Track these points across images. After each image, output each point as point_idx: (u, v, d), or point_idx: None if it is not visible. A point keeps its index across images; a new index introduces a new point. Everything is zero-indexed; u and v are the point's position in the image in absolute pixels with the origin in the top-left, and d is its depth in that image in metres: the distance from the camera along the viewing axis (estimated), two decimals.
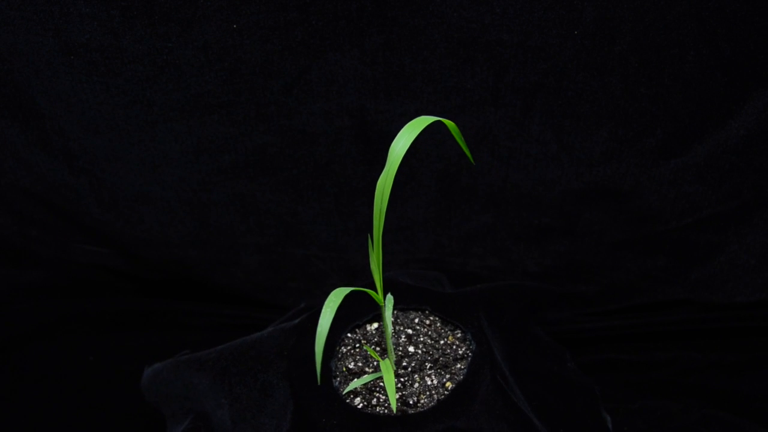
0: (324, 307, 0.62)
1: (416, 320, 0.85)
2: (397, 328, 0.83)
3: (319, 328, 0.62)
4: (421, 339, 0.82)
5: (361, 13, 0.88)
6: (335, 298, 0.63)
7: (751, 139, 0.98)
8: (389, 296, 0.78)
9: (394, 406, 0.69)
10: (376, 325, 0.83)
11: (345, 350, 0.79)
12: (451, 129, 0.63)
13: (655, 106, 0.96)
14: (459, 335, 0.84)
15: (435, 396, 0.76)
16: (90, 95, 0.95)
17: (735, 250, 1.11)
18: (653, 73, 0.93)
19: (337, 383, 0.75)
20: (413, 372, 0.78)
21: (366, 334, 0.82)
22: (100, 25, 0.87)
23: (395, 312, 0.86)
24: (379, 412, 0.74)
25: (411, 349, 0.81)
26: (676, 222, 1.08)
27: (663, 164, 1.02)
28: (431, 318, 0.86)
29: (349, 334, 0.80)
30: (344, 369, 0.76)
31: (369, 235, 0.69)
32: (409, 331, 0.83)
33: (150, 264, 1.19)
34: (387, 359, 0.74)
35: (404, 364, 0.79)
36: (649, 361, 1.08)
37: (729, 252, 1.11)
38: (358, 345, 0.79)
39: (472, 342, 0.82)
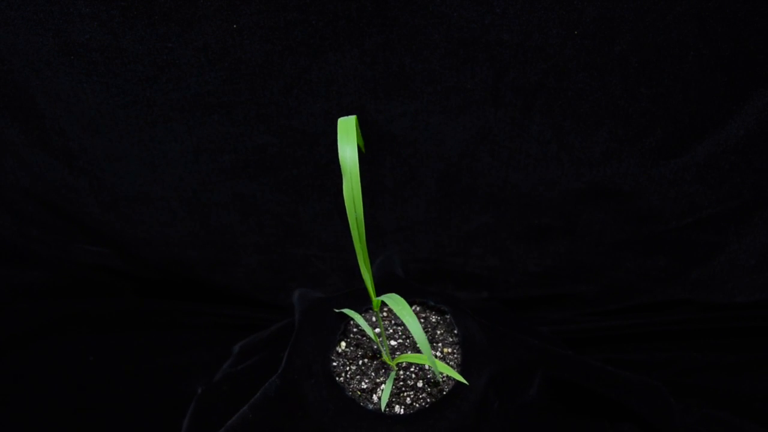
0: (405, 317, 0.64)
1: (374, 318, 0.85)
2: (363, 331, 0.83)
3: (418, 338, 0.63)
4: (391, 330, 0.83)
5: (361, 13, 0.89)
6: (401, 306, 0.64)
7: (751, 139, 0.98)
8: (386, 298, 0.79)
9: (462, 379, 0.71)
10: (344, 344, 0.82)
11: (343, 378, 0.78)
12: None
13: (655, 106, 0.96)
14: (418, 309, 0.87)
15: (451, 364, 0.79)
16: (90, 95, 0.95)
17: (735, 250, 1.11)
18: (653, 73, 0.93)
19: (371, 407, 0.75)
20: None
21: (345, 355, 0.81)
22: (100, 25, 0.87)
23: (353, 322, 0.85)
24: (425, 405, 0.75)
25: (392, 342, 0.81)
26: (676, 222, 1.08)
27: (663, 164, 1.02)
28: (386, 309, 0.87)
29: (334, 363, 0.80)
30: (359, 393, 0.76)
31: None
32: (377, 330, 0.84)
33: (150, 264, 1.19)
34: (420, 350, 0.75)
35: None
36: (649, 361, 1.08)
37: (729, 252, 1.11)
38: (348, 368, 0.79)
39: (437, 306, 0.86)
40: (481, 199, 1.10)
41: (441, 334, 0.83)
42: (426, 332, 0.83)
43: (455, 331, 0.84)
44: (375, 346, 0.81)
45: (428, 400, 0.76)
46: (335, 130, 1.00)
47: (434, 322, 0.85)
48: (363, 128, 1.01)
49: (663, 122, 0.98)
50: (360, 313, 0.86)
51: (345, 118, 0.61)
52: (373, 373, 0.78)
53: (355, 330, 0.82)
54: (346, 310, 0.77)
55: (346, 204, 0.62)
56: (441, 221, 1.13)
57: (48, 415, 0.97)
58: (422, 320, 0.85)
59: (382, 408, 0.73)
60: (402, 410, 0.74)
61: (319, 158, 1.04)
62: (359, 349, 0.80)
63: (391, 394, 0.76)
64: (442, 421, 0.73)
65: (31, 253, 1.19)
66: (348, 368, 0.78)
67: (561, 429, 0.86)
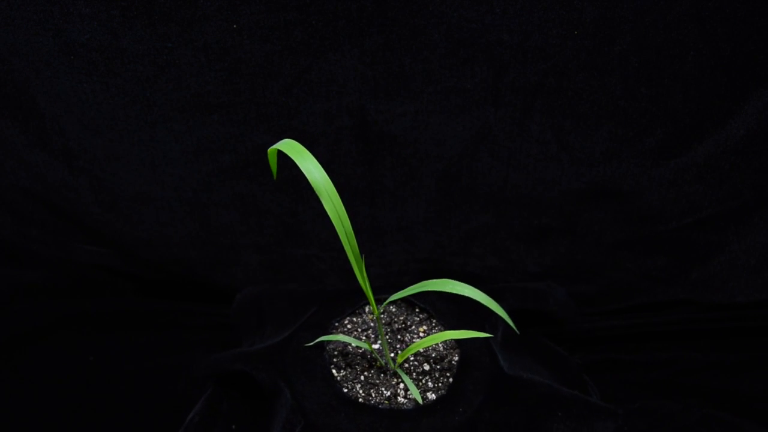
0: (464, 291, 0.66)
1: (348, 329, 0.85)
2: (342, 351, 0.82)
3: (483, 299, 0.66)
4: (367, 333, 0.84)
5: (361, 13, 0.89)
6: (450, 284, 0.67)
7: (751, 139, 0.98)
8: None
9: (514, 327, 0.75)
10: (335, 372, 0.82)
11: (362, 398, 0.77)
12: (270, 154, 0.64)
13: (655, 106, 0.96)
14: (368, 309, 0.88)
15: (449, 356, 0.81)
16: (90, 95, 0.95)
17: (735, 250, 1.11)
18: (653, 73, 0.93)
19: (411, 407, 0.75)
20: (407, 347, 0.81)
21: (346, 378, 0.80)
22: (100, 25, 0.87)
23: (329, 346, 0.84)
24: (450, 380, 0.78)
25: (376, 346, 0.82)
26: (676, 222, 1.08)
27: (663, 164, 1.02)
28: (348, 318, 0.86)
29: (345, 390, 0.78)
30: (387, 402, 0.76)
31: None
32: (352, 336, 0.84)
33: (150, 264, 1.19)
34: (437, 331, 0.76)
35: (392, 355, 0.80)
36: (649, 361, 1.08)
37: (729, 252, 1.11)
38: (357, 387, 0.78)
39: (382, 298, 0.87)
40: (481, 199, 1.10)
41: (408, 317, 0.84)
42: (399, 324, 0.84)
43: (416, 310, 0.87)
44: (369, 356, 0.81)
45: (447, 374, 0.78)
46: (335, 130, 1.01)
47: (394, 311, 0.86)
48: (363, 128, 1.01)
49: (663, 122, 0.98)
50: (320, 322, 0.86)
51: (280, 144, 0.62)
52: (379, 381, 0.78)
53: (335, 353, 0.81)
54: (329, 337, 0.77)
55: (333, 222, 0.62)
56: (441, 221, 1.13)
57: (48, 415, 0.97)
58: (384, 314, 0.86)
59: (421, 402, 0.74)
60: (434, 394, 0.76)
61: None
62: (353, 367, 0.80)
63: (418, 387, 0.77)
64: (477, 383, 0.76)
65: (31, 253, 1.19)
66: (358, 387, 0.78)
67: (524, 352, 0.92)
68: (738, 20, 0.88)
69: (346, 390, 0.77)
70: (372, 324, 0.85)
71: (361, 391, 0.77)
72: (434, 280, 0.69)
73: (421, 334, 0.84)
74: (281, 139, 1.01)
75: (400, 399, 0.75)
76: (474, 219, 1.13)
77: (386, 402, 0.75)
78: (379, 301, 0.88)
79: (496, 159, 1.04)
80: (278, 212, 1.11)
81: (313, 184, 0.61)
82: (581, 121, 0.99)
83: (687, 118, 0.97)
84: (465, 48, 0.92)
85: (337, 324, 0.85)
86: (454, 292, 0.67)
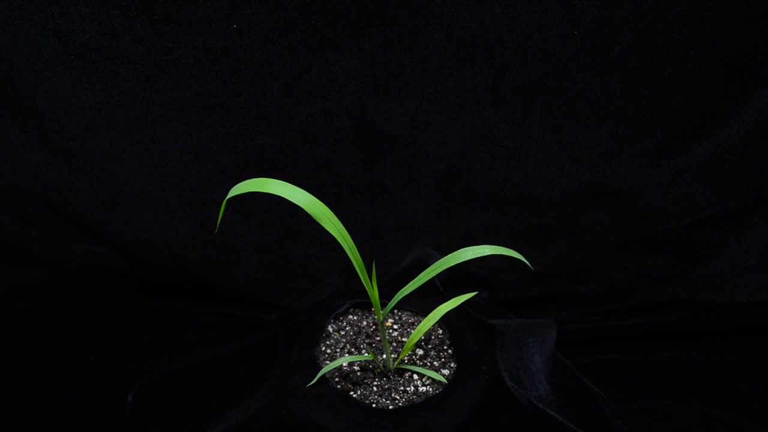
0: (488, 250, 0.68)
1: (329, 354, 0.84)
2: (342, 374, 0.81)
3: (498, 250, 0.68)
4: (348, 348, 0.83)
5: (361, 13, 0.89)
6: (459, 254, 0.69)
7: (751, 139, 0.98)
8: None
9: (529, 265, 0.75)
10: (353, 389, 0.79)
11: (391, 404, 0.76)
12: (223, 205, 0.63)
13: (655, 106, 0.96)
14: (332, 328, 0.87)
15: (434, 333, 0.83)
16: (90, 95, 0.95)
17: (735, 250, 1.11)
18: (653, 73, 0.93)
19: (438, 390, 0.75)
20: (400, 342, 0.83)
21: (365, 396, 0.78)
22: (100, 25, 0.87)
23: (328, 376, 0.83)
24: (450, 351, 0.80)
25: (365, 352, 0.82)
26: (676, 222, 1.08)
27: (663, 164, 1.02)
28: (323, 344, 0.85)
29: (374, 405, 0.75)
30: (415, 397, 0.75)
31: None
32: (346, 339, 0.84)
33: (150, 264, 1.19)
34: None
35: (391, 353, 0.80)
36: (649, 361, 1.08)
37: (729, 252, 1.11)
38: (377, 397, 0.77)
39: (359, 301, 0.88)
40: (481, 199, 1.10)
41: (370, 317, 0.86)
42: (365, 327, 0.85)
43: (373, 309, 0.87)
44: (371, 365, 0.80)
45: (444, 347, 0.80)
46: (335, 130, 1.01)
47: (356, 319, 0.86)
48: (363, 128, 1.01)
49: (663, 122, 0.98)
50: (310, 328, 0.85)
51: (243, 185, 0.61)
52: (391, 384, 0.77)
53: (336, 379, 0.80)
54: (332, 365, 0.75)
55: (336, 238, 0.63)
56: (441, 221, 1.13)
57: (48, 415, 0.97)
58: (348, 327, 0.85)
59: (444, 380, 0.75)
60: (448, 369, 0.77)
61: (319, 158, 1.04)
62: (361, 384, 0.78)
63: (429, 368, 0.77)
64: (478, 341, 0.80)
65: (31, 253, 1.19)
66: (380, 398, 0.76)
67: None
68: (738, 20, 0.88)
69: (374, 405, 0.75)
70: (344, 339, 0.84)
71: (386, 401, 0.75)
72: (448, 256, 0.70)
73: (395, 326, 0.84)
74: (281, 139, 1.02)
75: (424, 389, 0.75)
76: (474, 219, 1.13)
77: (414, 397, 0.75)
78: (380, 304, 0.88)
79: (496, 159, 1.04)
80: (278, 212, 1.11)
81: (309, 211, 0.61)
82: (581, 121, 0.99)
83: (687, 118, 0.97)
84: (465, 48, 0.92)
85: (318, 354, 0.83)
86: (476, 256, 0.69)
